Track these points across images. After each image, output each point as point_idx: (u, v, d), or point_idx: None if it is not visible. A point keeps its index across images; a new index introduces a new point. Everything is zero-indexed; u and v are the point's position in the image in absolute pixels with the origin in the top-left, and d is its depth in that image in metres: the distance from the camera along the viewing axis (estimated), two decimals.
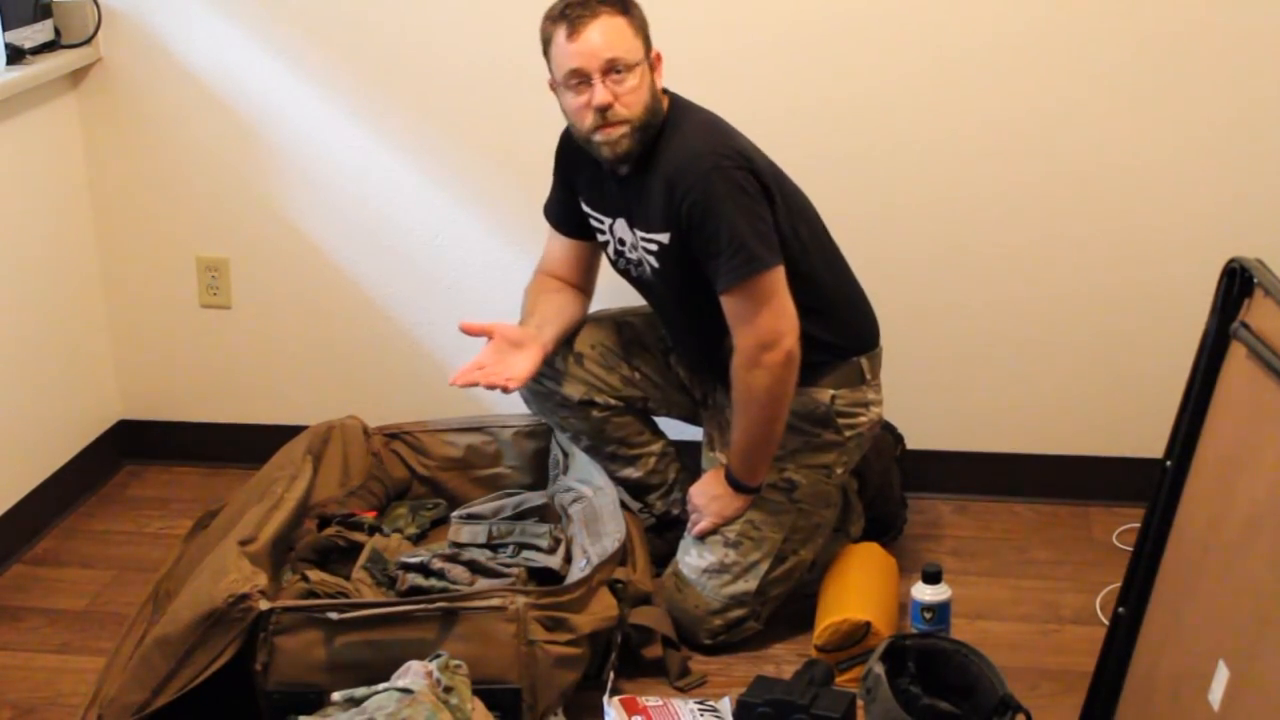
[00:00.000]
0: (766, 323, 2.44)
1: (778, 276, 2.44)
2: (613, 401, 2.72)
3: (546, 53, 2.47)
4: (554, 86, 2.49)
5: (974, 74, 2.85)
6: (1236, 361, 1.88)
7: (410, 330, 3.18)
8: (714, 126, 2.52)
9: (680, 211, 2.44)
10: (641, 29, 2.46)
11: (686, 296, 2.56)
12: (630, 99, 2.42)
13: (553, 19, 2.45)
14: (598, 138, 2.46)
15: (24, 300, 2.99)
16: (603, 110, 2.41)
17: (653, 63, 2.48)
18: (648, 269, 2.57)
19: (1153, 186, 2.86)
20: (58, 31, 3.05)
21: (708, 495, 2.60)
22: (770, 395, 2.47)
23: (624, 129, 2.44)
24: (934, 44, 2.85)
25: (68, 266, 3.15)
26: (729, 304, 2.46)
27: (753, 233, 2.42)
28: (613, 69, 2.41)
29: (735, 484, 2.56)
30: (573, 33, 2.40)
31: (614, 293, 2.78)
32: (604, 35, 2.40)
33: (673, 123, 2.49)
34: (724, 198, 2.41)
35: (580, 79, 2.42)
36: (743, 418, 2.51)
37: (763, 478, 2.56)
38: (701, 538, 2.59)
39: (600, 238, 2.65)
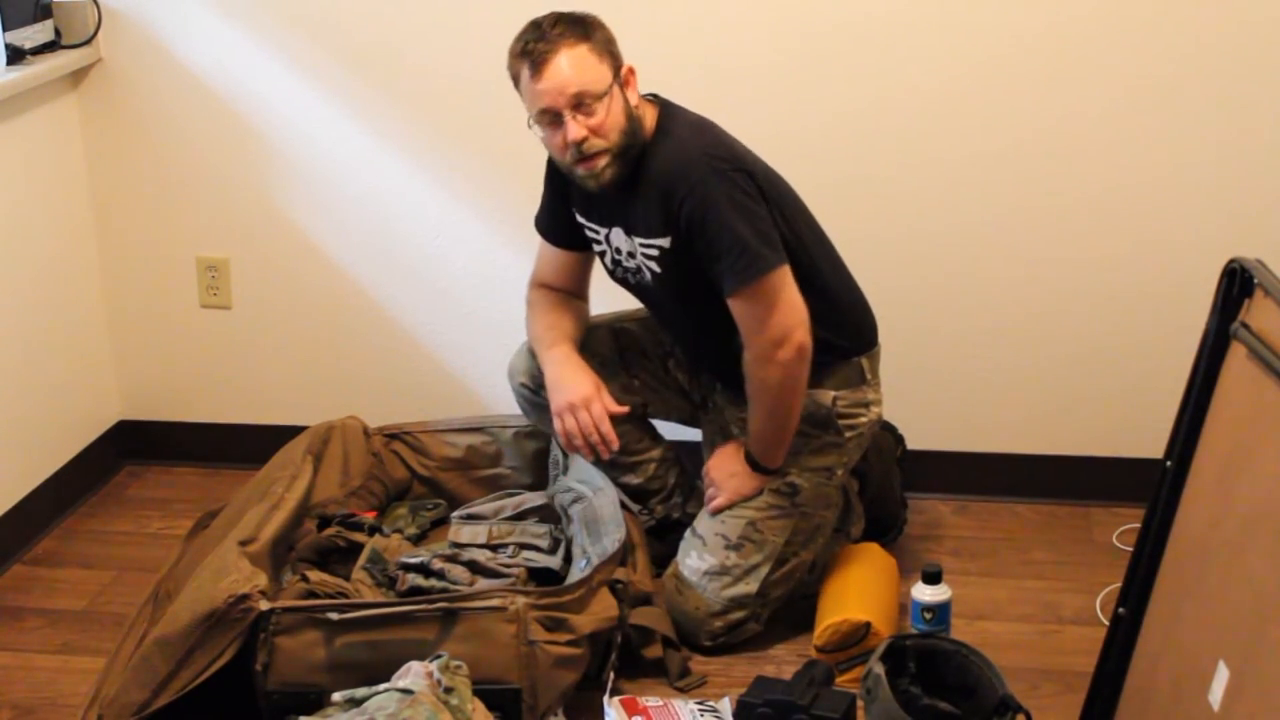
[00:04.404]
0: (777, 320, 2.43)
1: (784, 274, 2.44)
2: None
3: (518, 89, 2.44)
4: (531, 123, 2.46)
5: (972, 79, 2.85)
6: (1236, 361, 1.88)
7: (410, 330, 3.18)
8: (704, 130, 2.50)
9: (679, 216, 2.43)
10: (606, 49, 2.41)
11: (688, 298, 2.55)
12: (604, 127, 2.39)
13: (516, 56, 2.41)
14: (580, 171, 2.44)
15: (24, 300, 2.99)
16: (578, 144, 2.40)
17: (625, 79, 2.44)
18: (647, 275, 2.56)
19: (1153, 187, 2.86)
20: (58, 32, 3.05)
21: (725, 472, 2.60)
22: (784, 388, 2.48)
23: (604, 159, 2.42)
24: (932, 49, 2.85)
25: (68, 266, 3.15)
26: (737, 306, 2.45)
27: (754, 233, 2.41)
28: (580, 102, 2.38)
29: (754, 464, 2.56)
30: (535, 73, 2.37)
31: (608, 296, 2.78)
32: (568, 69, 2.36)
33: (662, 129, 2.48)
34: (721, 201, 2.40)
35: (551, 117, 2.40)
36: (760, 406, 2.51)
37: (780, 461, 2.56)
38: (707, 532, 2.58)
39: (596, 248, 2.64)
